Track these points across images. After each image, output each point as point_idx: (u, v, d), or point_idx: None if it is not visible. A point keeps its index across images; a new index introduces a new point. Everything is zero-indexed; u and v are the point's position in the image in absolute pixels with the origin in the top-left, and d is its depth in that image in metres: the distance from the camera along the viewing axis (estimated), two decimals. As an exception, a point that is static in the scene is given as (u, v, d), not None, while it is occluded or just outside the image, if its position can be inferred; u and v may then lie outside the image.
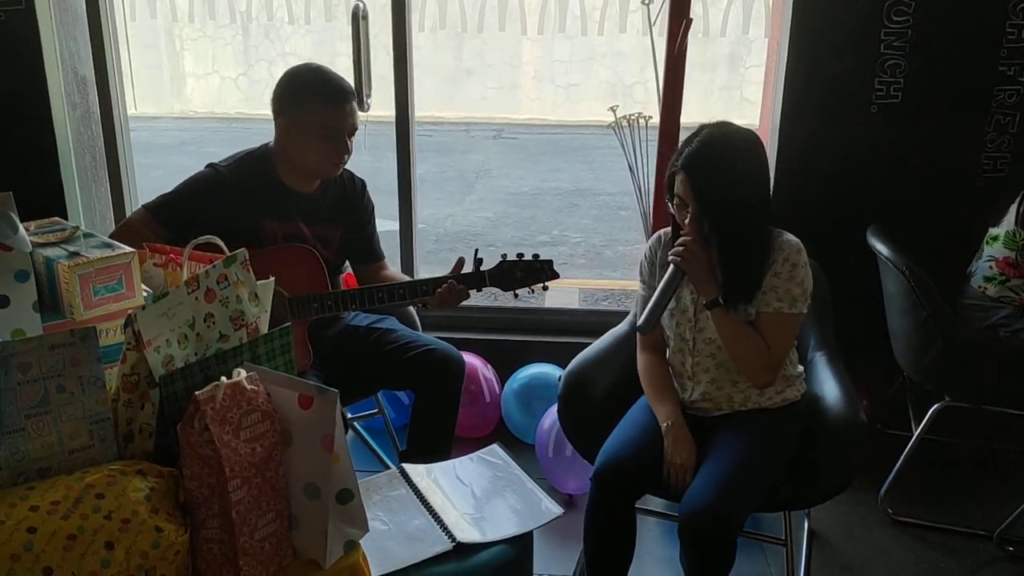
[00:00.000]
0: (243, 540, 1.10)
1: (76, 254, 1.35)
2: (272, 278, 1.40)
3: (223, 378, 1.10)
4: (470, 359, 2.99)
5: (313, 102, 2.15)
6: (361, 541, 1.69)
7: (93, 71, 3.03)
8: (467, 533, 1.72)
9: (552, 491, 2.70)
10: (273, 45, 10.95)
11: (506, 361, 3.07)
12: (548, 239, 5.85)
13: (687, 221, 1.91)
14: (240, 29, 11.06)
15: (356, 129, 2.21)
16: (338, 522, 1.19)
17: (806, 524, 2.51)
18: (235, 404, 1.09)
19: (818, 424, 2.04)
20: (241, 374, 1.12)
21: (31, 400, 1.09)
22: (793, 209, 2.86)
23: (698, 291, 1.96)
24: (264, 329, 1.35)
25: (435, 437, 2.39)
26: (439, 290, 2.20)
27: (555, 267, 2.27)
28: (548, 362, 3.01)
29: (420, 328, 2.65)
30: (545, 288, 2.27)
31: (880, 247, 2.52)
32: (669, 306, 2.01)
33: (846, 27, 2.68)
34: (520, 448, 2.90)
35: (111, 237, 2.18)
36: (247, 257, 1.30)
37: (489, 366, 3.02)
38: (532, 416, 2.84)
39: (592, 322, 3.11)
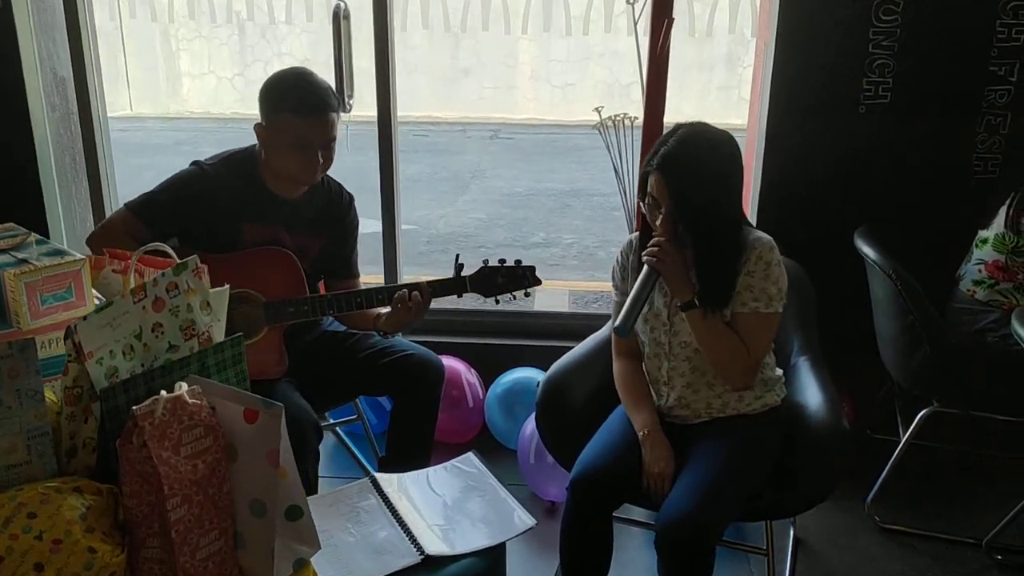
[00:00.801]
0: (184, 560, 1.06)
1: (24, 261, 1.31)
2: (227, 286, 1.36)
3: (163, 392, 1.06)
4: (453, 363, 2.95)
5: (286, 113, 2.08)
6: (326, 554, 1.67)
7: (72, 71, 2.99)
8: (436, 545, 1.68)
9: (533, 498, 2.67)
10: (269, 45, 10.91)
11: (491, 366, 3.02)
12: (540, 240, 5.80)
13: (659, 222, 1.87)
14: (236, 29, 11.03)
15: (334, 140, 2.14)
16: (287, 540, 1.14)
17: (791, 532, 2.47)
18: (176, 419, 1.05)
19: (800, 431, 2.00)
20: (182, 387, 1.08)
21: (-34, 414, 1.05)
22: (781, 211, 2.83)
23: (672, 292, 1.92)
24: (218, 338, 1.31)
25: (413, 444, 2.35)
26: (395, 296, 2.13)
27: (546, 268, 2.22)
28: (534, 366, 2.97)
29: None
30: (527, 295, 2.23)
31: (867, 250, 2.48)
32: (643, 312, 1.98)
33: (833, 26, 2.64)
34: (503, 454, 2.86)
35: (91, 238, 2.17)
36: (199, 264, 1.26)
37: (473, 371, 2.99)
38: (515, 421, 2.80)
39: (580, 326, 3.06)
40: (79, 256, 1.33)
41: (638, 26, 2.78)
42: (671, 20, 2.39)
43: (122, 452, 1.06)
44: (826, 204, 2.81)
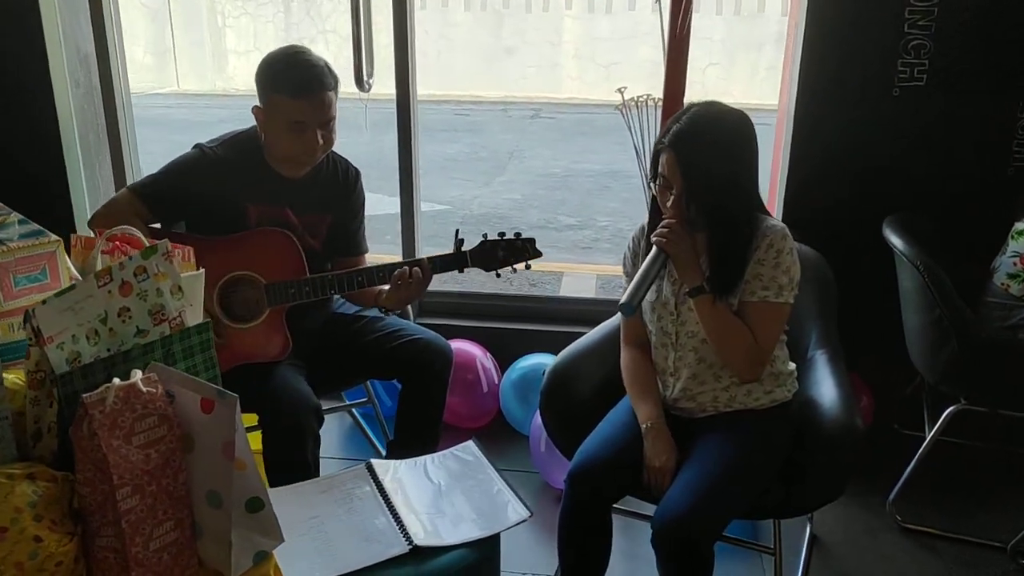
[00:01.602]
0: (136, 551, 1.04)
1: (0, 242, 1.30)
2: (202, 270, 1.33)
3: (116, 380, 1.04)
4: (470, 348, 2.92)
5: (281, 95, 2.04)
6: (315, 540, 1.66)
7: (94, 48, 3.00)
8: (425, 536, 1.65)
9: (545, 486, 2.63)
10: (314, 23, 10.95)
11: (510, 351, 2.99)
12: (575, 222, 5.73)
13: (669, 203, 1.81)
14: (282, 6, 11.08)
15: (332, 119, 2.09)
16: (246, 531, 1.12)
17: (808, 529, 2.40)
18: (128, 407, 1.03)
19: (811, 427, 1.93)
20: (137, 375, 1.06)
21: (-78, 399, 1.04)
22: (807, 199, 2.74)
23: (680, 276, 1.86)
24: (191, 323, 1.28)
25: (421, 428, 2.32)
26: (394, 274, 2.09)
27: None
28: (552, 352, 2.91)
29: (412, 316, 2.59)
30: (528, 267, 2.19)
31: (895, 240, 2.38)
32: (650, 299, 1.92)
33: (867, 6, 2.53)
34: (517, 440, 2.83)
35: (93, 217, 2.17)
36: (169, 248, 1.23)
37: (489, 355, 2.95)
38: (529, 408, 2.76)
39: (603, 312, 2.99)
40: (54, 237, 1.32)
41: (661, 3, 2.69)
42: (691, -2, 2.30)
43: (75, 440, 1.04)
44: (856, 191, 2.71)
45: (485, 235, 2.16)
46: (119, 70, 3.04)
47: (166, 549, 1.08)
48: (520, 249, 2.16)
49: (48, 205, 2.99)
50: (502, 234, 2.16)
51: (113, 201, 2.16)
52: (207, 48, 11.16)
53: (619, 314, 2.23)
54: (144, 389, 1.05)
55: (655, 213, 1.90)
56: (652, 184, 1.87)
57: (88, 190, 3.08)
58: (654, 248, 1.83)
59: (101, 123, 3.09)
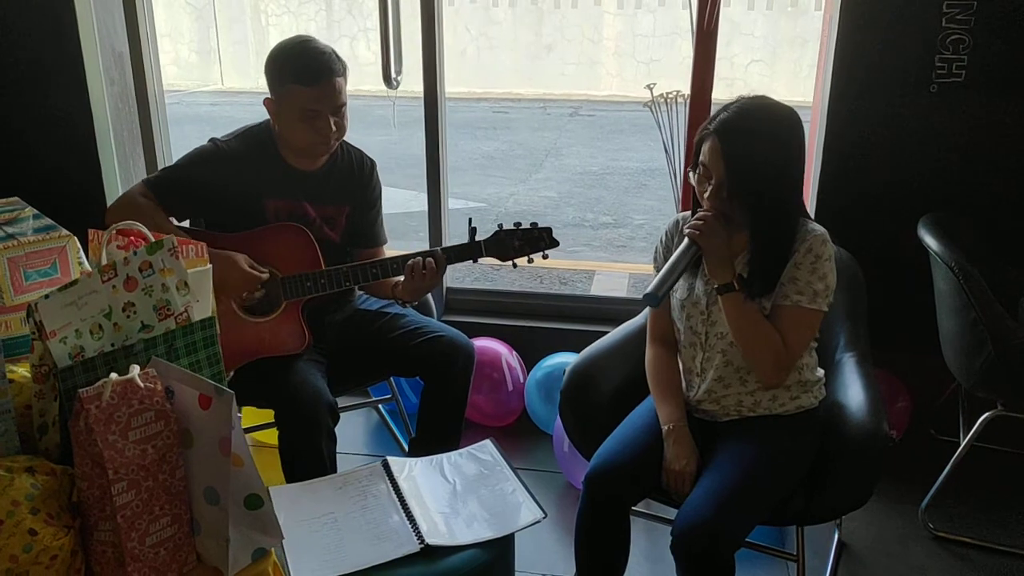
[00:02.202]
0: (131, 545, 1.04)
1: (11, 236, 1.31)
2: (209, 265, 1.33)
3: (113, 375, 1.04)
4: (495, 346, 2.90)
5: (292, 84, 2.04)
6: (327, 537, 1.65)
7: (128, 47, 3.04)
8: (437, 535, 1.64)
9: (568, 486, 2.60)
10: (355, 21, 11.01)
11: (536, 349, 2.96)
12: (610, 220, 5.68)
13: (707, 195, 1.76)
14: (323, 4, 11.16)
15: (343, 105, 2.10)
16: (245, 529, 1.12)
17: (836, 535, 2.35)
18: (125, 403, 1.03)
19: (836, 432, 1.88)
20: (135, 370, 1.06)
21: (-73, 391, 1.05)
22: (842, 197, 2.68)
23: (710, 272, 1.81)
24: (199, 317, 1.28)
25: (443, 426, 2.31)
26: (407, 264, 2.09)
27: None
28: (578, 352, 2.88)
29: (435, 313, 2.58)
30: (545, 257, 2.16)
31: (929, 240, 2.31)
32: (680, 296, 1.88)
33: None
34: (541, 440, 2.81)
35: (108, 211, 2.19)
36: (175, 244, 1.24)
37: (515, 354, 2.93)
38: (554, 407, 2.72)
39: (629, 311, 2.97)
40: (65, 232, 1.33)
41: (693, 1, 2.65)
42: (719, -8, 2.26)
43: (73, 434, 1.04)
44: (892, 189, 2.64)
45: (500, 225, 2.14)
46: (152, 68, 3.08)
47: (163, 544, 1.08)
48: (536, 238, 2.13)
49: (82, 201, 3.04)
50: (518, 223, 2.14)
51: (126, 195, 2.18)
52: (250, 46, 11.28)
53: (644, 312, 2.21)
54: (142, 384, 1.05)
55: (695, 206, 1.86)
56: (691, 173, 1.83)
57: (122, 186, 3.12)
58: (686, 240, 1.78)
59: (135, 120, 3.13)
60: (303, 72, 2.03)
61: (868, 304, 2.19)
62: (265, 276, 2.06)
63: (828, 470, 1.83)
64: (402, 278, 2.15)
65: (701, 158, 1.77)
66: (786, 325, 1.78)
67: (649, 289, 1.77)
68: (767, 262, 1.78)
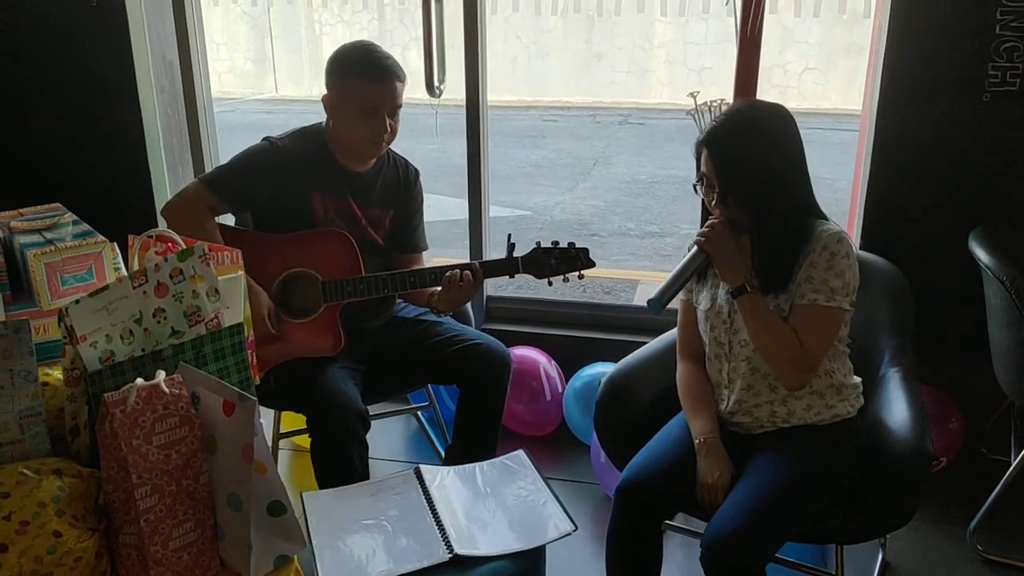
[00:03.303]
0: (154, 549, 1.05)
1: (49, 242, 1.34)
2: (241, 272, 1.34)
3: (139, 380, 1.05)
4: (534, 355, 2.89)
5: (352, 78, 2.11)
6: (356, 544, 1.66)
7: (178, 55, 3.10)
8: (466, 545, 1.63)
9: (605, 498, 2.58)
10: (407, 30, 11.11)
11: (576, 359, 2.94)
12: (657, 229, 5.63)
13: (713, 203, 1.79)
14: (376, 14, 11.29)
15: (399, 107, 2.16)
16: (268, 535, 1.12)
17: (880, 555, 2.28)
18: (149, 408, 1.04)
19: (877, 449, 1.83)
20: (161, 376, 1.07)
21: (-41, 391, 1.08)
22: (891, 207, 2.61)
23: (722, 277, 1.82)
24: (229, 323, 1.29)
25: (479, 434, 2.31)
26: (444, 277, 2.11)
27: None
28: (617, 362, 2.86)
29: (474, 322, 2.58)
30: (581, 277, 2.17)
31: (981, 253, 2.24)
32: (704, 307, 1.87)
33: (955, 6, 2.39)
34: (579, 450, 2.78)
35: (166, 207, 2.23)
36: (206, 251, 1.25)
37: (554, 363, 2.91)
38: (592, 417, 2.71)
39: (670, 322, 2.94)
40: (102, 238, 1.35)
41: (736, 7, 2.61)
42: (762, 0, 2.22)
43: (100, 438, 1.06)
44: (942, 200, 2.57)
45: (538, 243, 2.16)
46: (201, 75, 3.13)
47: (186, 549, 1.09)
48: (573, 258, 2.15)
49: (131, 207, 3.10)
50: (555, 242, 2.16)
51: (183, 192, 2.23)
52: (304, 55, 11.47)
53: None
54: (167, 390, 1.06)
55: (706, 216, 1.87)
56: (698, 186, 1.84)
57: (171, 192, 3.17)
58: (694, 247, 1.82)
59: (184, 127, 3.19)
60: (368, 69, 2.11)
61: (916, 317, 2.13)
62: (273, 333, 2.09)
63: (867, 488, 1.78)
64: (439, 288, 2.16)
65: (702, 169, 1.80)
66: (803, 324, 1.76)
67: (653, 295, 1.81)
68: (773, 257, 1.78)
